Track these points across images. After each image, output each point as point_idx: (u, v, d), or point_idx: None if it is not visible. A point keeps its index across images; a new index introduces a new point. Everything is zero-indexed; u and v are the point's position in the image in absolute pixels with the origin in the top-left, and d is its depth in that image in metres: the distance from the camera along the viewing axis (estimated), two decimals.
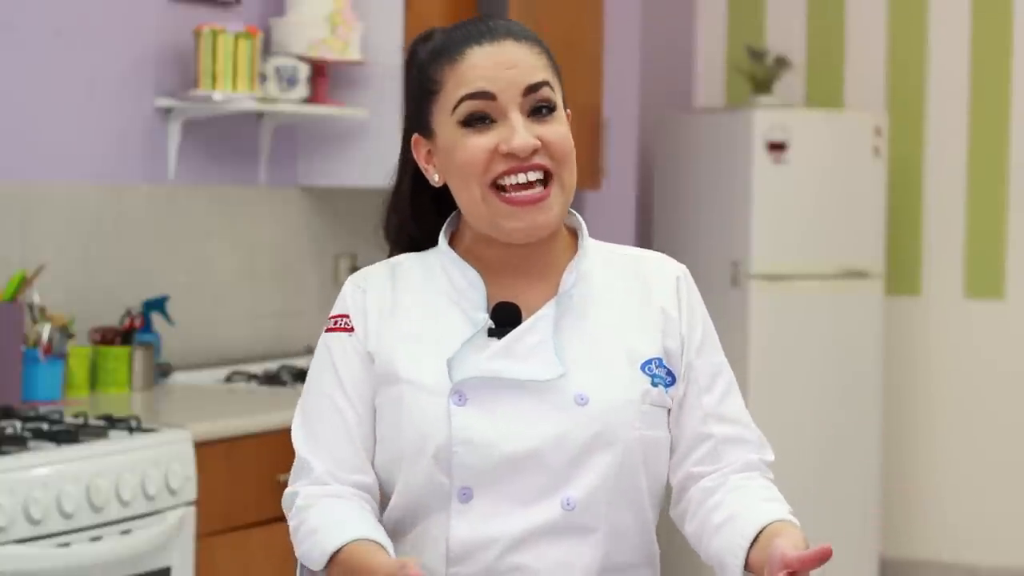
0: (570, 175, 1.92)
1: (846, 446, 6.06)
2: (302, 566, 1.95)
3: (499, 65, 1.89)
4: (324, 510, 1.91)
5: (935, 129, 6.43)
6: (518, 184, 1.89)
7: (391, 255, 2.06)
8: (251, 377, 4.45)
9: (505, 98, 1.88)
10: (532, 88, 1.89)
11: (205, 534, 3.57)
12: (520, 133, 1.87)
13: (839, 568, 6.15)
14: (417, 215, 2.04)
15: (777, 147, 5.96)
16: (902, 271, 6.44)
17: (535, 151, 1.88)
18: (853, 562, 6.12)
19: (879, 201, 6.17)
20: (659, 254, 2.06)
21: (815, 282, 6.03)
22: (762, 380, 5.91)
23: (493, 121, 1.89)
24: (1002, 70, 6.33)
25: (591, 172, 5.49)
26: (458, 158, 1.90)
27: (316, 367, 1.99)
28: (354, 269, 4.98)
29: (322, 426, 1.95)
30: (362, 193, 4.91)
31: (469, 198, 1.91)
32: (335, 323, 1.98)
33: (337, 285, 4.95)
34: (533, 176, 1.89)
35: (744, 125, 5.97)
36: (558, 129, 1.91)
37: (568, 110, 1.96)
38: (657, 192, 6.31)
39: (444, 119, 1.92)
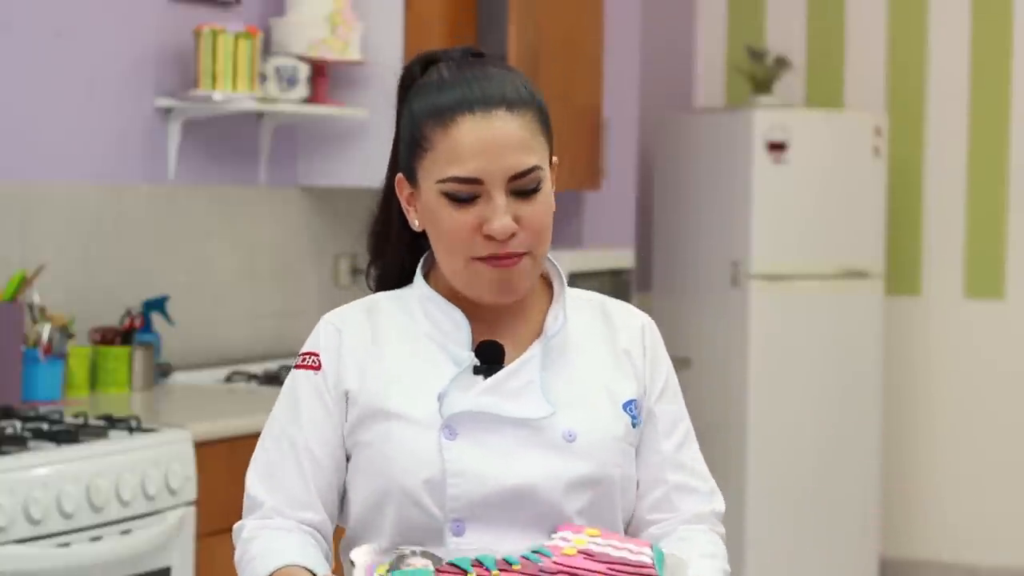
0: (543, 246, 1.95)
1: (846, 446, 6.06)
2: None
3: (489, 147, 1.89)
4: (265, 540, 1.96)
5: (935, 129, 6.43)
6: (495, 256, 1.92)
7: (367, 278, 2.09)
8: (251, 377, 4.45)
9: (492, 182, 1.90)
10: (520, 175, 1.91)
11: (205, 534, 3.57)
12: (500, 218, 1.89)
13: (839, 568, 6.18)
14: (402, 242, 2.05)
15: (777, 147, 5.96)
16: (902, 271, 6.44)
17: (514, 234, 1.90)
18: (853, 562, 6.12)
19: (879, 201, 6.17)
20: (627, 304, 2.10)
21: (815, 282, 6.03)
22: (762, 380, 5.91)
23: (477, 197, 1.90)
24: (1002, 70, 6.33)
25: (591, 172, 5.48)
26: (442, 228, 1.92)
27: (279, 403, 2.02)
28: (354, 269, 4.99)
29: (276, 463, 1.98)
30: (362, 193, 4.91)
31: (450, 264, 1.94)
32: (303, 360, 2.00)
33: (337, 285, 4.95)
34: (507, 261, 1.92)
35: (744, 125, 5.97)
36: (538, 209, 1.92)
37: (555, 158, 1.99)
38: (657, 192, 6.31)
39: (429, 180, 1.93)
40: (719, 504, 2.06)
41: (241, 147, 4.69)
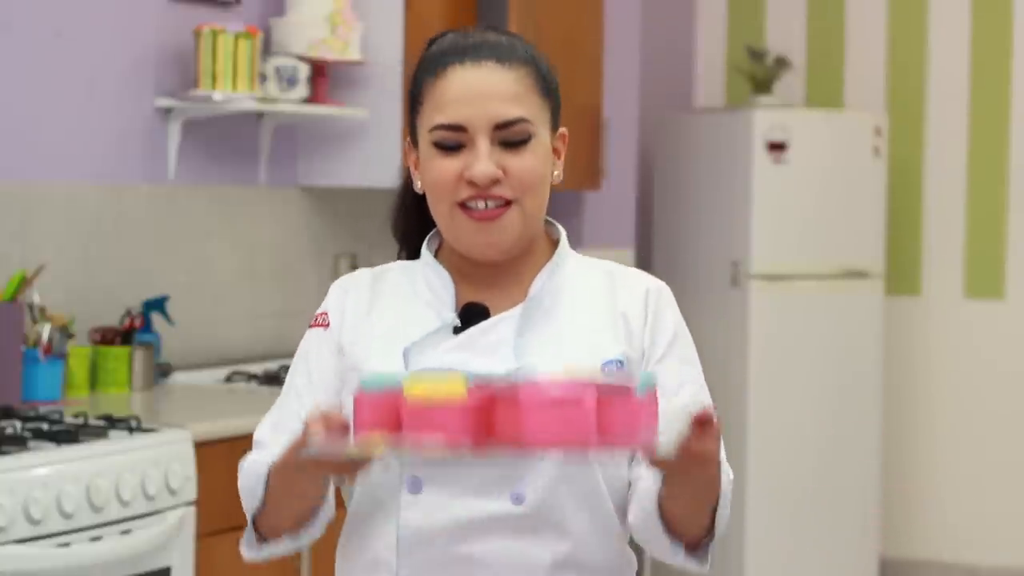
0: (534, 202, 1.94)
1: (846, 446, 6.06)
2: (251, 531, 2.01)
3: (474, 95, 1.92)
4: (257, 461, 2.00)
5: (935, 129, 6.44)
6: (478, 208, 1.93)
7: (399, 253, 2.12)
8: (251, 377, 4.45)
9: (475, 128, 1.91)
10: (504, 125, 1.92)
11: (205, 534, 3.57)
12: (481, 162, 1.91)
13: (839, 568, 6.18)
14: (418, 215, 2.08)
15: (777, 147, 5.96)
16: (902, 271, 6.44)
17: (496, 181, 1.91)
18: (853, 562, 6.12)
19: (879, 201, 6.17)
20: (641, 272, 2.08)
21: (815, 282, 6.03)
22: (762, 380, 5.91)
23: (463, 146, 1.92)
24: (1002, 70, 6.33)
25: (591, 172, 5.48)
26: (430, 177, 1.95)
27: (294, 362, 2.07)
28: (354, 268, 4.99)
29: (283, 412, 2.03)
30: (362, 193, 4.91)
31: (439, 213, 1.97)
32: (316, 320, 2.06)
33: None
34: (492, 204, 1.92)
35: (744, 125, 5.97)
36: (526, 161, 1.93)
37: (563, 130, 1.99)
38: (657, 192, 6.31)
39: (424, 133, 1.96)
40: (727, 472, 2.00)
41: (241, 147, 4.69)
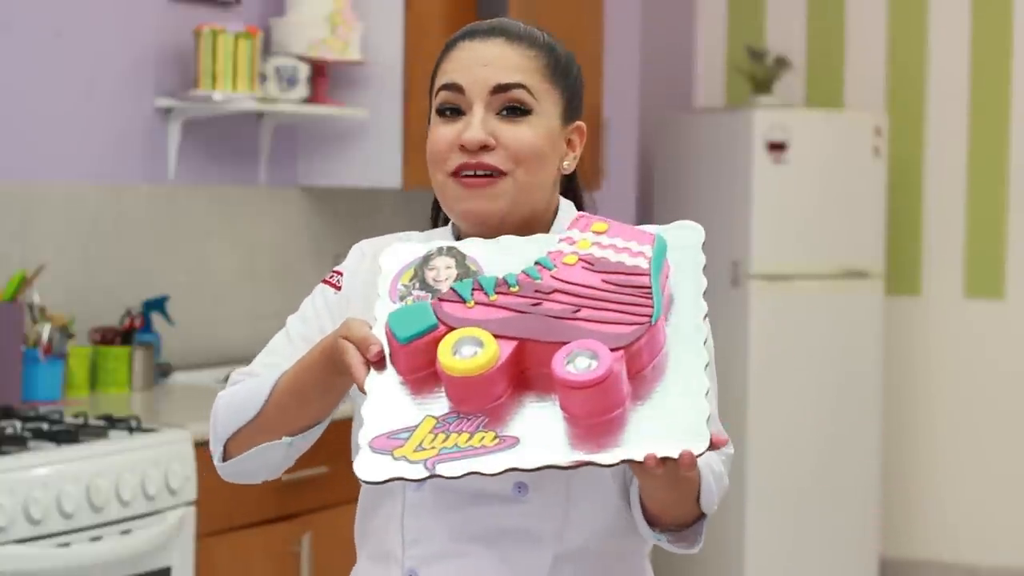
0: (527, 173, 1.93)
1: (846, 446, 6.06)
2: (220, 450, 2.00)
3: (475, 60, 1.94)
4: (252, 379, 2.01)
5: (935, 129, 6.44)
6: (469, 176, 1.93)
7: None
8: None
9: (472, 92, 1.92)
10: (502, 88, 1.92)
11: (205, 534, 3.57)
12: (473, 127, 1.91)
13: (839, 568, 6.17)
14: None
15: (777, 147, 5.96)
16: (902, 271, 6.44)
17: (485, 147, 1.91)
18: (853, 562, 6.12)
19: (879, 201, 6.17)
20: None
21: (815, 282, 6.03)
22: (762, 380, 5.91)
23: (462, 113, 1.93)
24: (1002, 70, 6.33)
25: (591, 172, 5.49)
26: (428, 147, 1.96)
27: (299, 310, 2.09)
28: None
29: (275, 346, 2.05)
30: (362, 193, 4.91)
31: (435, 183, 1.97)
32: (330, 276, 2.07)
33: None
34: (482, 173, 1.92)
35: (744, 125, 5.97)
36: (522, 132, 1.93)
37: (580, 123, 2.01)
38: (657, 192, 6.31)
39: (433, 106, 1.97)
40: (727, 447, 1.96)
41: (241, 147, 4.69)
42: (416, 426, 1.68)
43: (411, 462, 1.65)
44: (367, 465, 1.66)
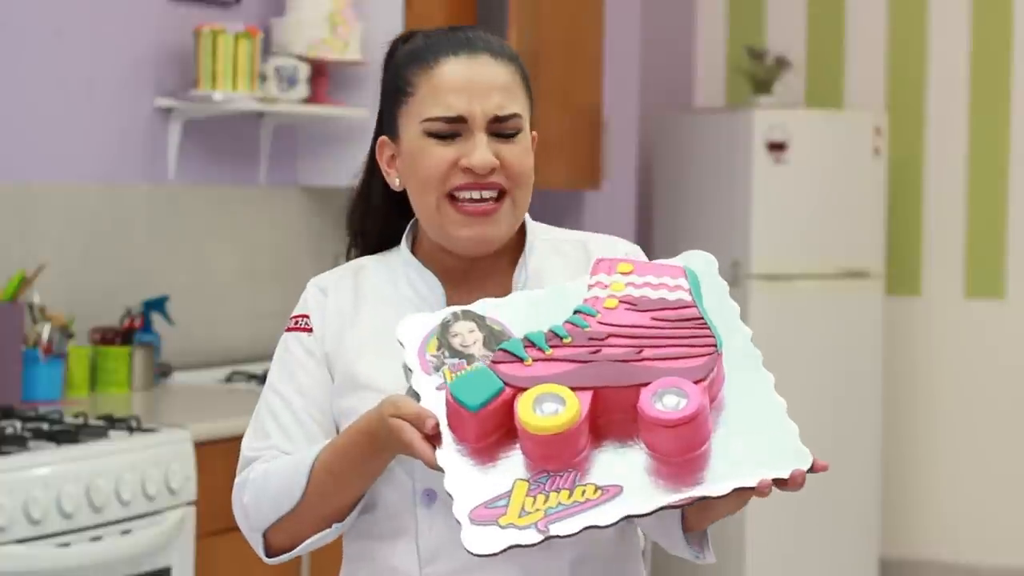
0: (523, 195, 1.95)
1: (846, 446, 6.06)
2: (261, 545, 1.98)
3: (475, 85, 1.92)
4: (282, 461, 1.95)
5: (935, 129, 6.44)
6: (472, 199, 1.92)
7: (349, 251, 2.11)
8: (251, 377, 4.45)
9: (474, 120, 1.91)
10: (501, 119, 1.93)
11: (205, 534, 3.57)
12: (481, 151, 1.91)
13: (839, 568, 6.17)
14: (381, 213, 2.06)
15: (777, 147, 5.96)
16: (902, 271, 6.44)
17: (493, 170, 1.91)
18: (853, 562, 6.12)
19: (879, 201, 6.17)
20: (611, 236, 2.08)
21: (815, 282, 6.03)
22: None
23: (458, 135, 1.92)
24: (1002, 70, 6.33)
25: (591, 172, 5.48)
26: (420, 165, 1.93)
27: (273, 367, 2.02)
28: None
29: (272, 422, 1.98)
30: None
31: (424, 205, 1.94)
32: (295, 323, 2.01)
33: None
34: (488, 194, 1.92)
35: (744, 125, 5.97)
36: (519, 151, 1.94)
37: (534, 132, 2.00)
38: (657, 192, 6.31)
39: (412, 124, 1.94)
40: None
41: (241, 147, 4.70)
42: (510, 491, 1.67)
43: (520, 528, 1.63)
44: (476, 539, 1.64)
